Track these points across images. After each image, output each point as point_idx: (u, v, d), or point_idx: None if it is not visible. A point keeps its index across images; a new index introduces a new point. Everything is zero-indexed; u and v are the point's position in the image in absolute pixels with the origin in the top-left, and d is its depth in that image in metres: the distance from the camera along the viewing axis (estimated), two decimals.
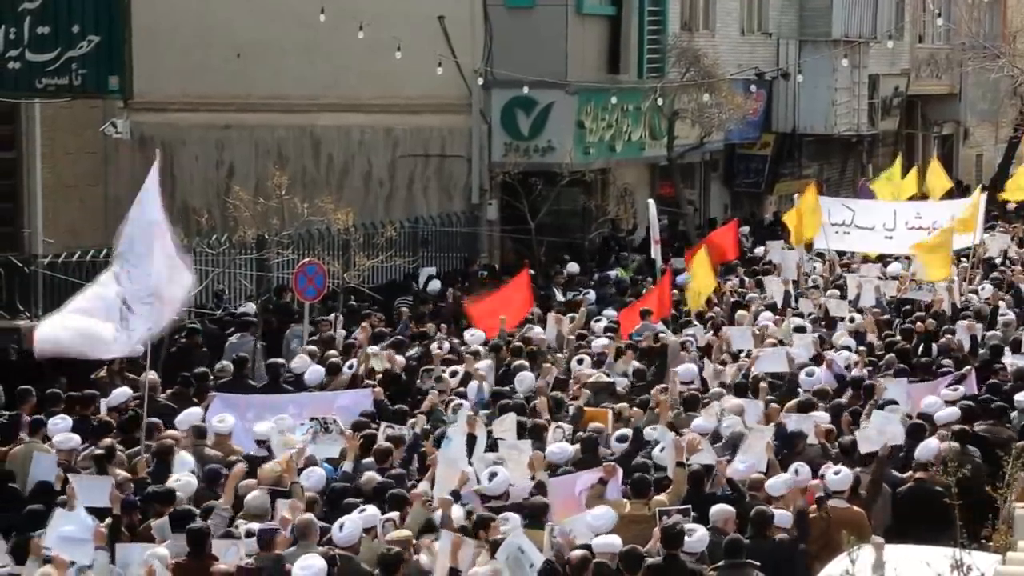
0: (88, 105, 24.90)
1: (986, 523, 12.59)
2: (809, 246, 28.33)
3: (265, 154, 30.57)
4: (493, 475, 13.62)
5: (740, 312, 22.97)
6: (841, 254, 28.44)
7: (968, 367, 18.82)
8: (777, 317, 22.47)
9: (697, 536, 12.50)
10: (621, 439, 15.52)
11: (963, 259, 26.69)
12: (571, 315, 22.70)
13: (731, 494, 13.87)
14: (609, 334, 21.06)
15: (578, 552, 12.06)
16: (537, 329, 21.33)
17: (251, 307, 22.60)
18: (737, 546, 12.49)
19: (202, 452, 15.14)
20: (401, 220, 28.56)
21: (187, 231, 26.03)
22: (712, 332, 21.55)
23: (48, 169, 23.70)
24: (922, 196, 32.88)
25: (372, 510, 12.86)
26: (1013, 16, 46.71)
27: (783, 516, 13.30)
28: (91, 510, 12.76)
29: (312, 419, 15.52)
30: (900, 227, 26.83)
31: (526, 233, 29.16)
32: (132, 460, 14.73)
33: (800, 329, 21.33)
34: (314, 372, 18.34)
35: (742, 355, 19.92)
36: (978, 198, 27.00)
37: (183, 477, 13.87)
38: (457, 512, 13.00)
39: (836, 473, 14.07)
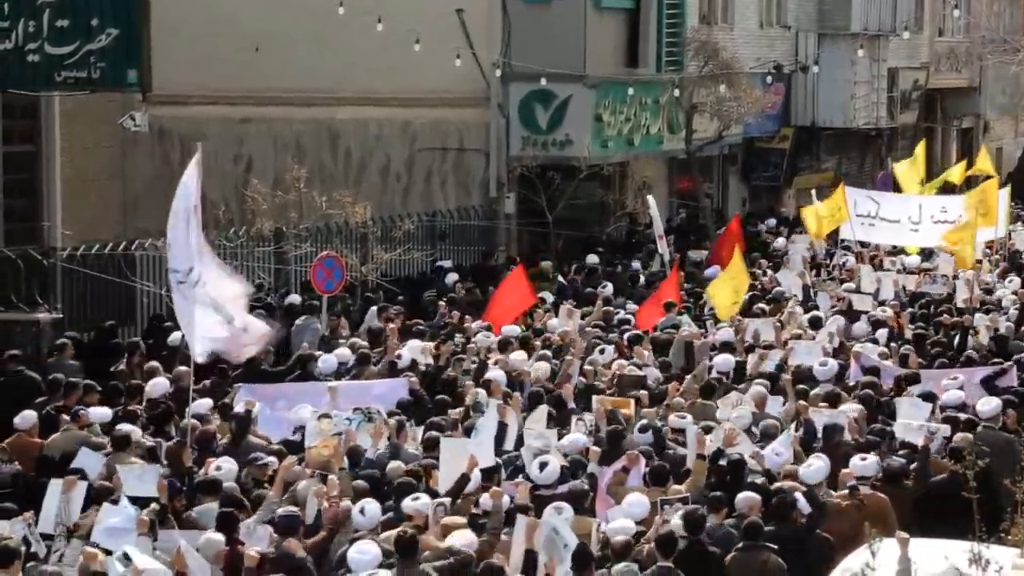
0: (107, 99, 24.90)
1: (1005, 516, 12.56)
2: (832, 237, 28.50)
3: (283, 148, 30.59)
4: (544, 464, 13.69)
5: (760, 305, 22.98)
6: (865, 246, 28.62)
7: (1010, 362, 18.77)
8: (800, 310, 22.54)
9: None
10: (643, 430, 15.56)
11: (988, 251, 26.79)
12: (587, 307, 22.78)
13: (768, 485, 13.93)
14: (625, 327, 21.12)
15: (621, 538, 12.25)
16: (553, 321, 21.38)
17: (296, 298, 22.66)
18: (756, 528, 12.67)
19: (248, 439, 15.29)
20: (419, 213, 28.58)
21: (205, 224, 26.01)
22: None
23: (67, 162, 23.73)
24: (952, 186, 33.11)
25: (426, 499, 12.97)
26: None
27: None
28: (137, 498, 12.94)
29: (356, 409, 15.56)
30: (925, 220, 27.07)
31: (543, 227, 29.15)
32: (173, 450, 14.86)
33: (816, 322, 21.35)
34: (327, 361, 18.42)
35: (769, 348, 19.89)
36: (993, 188, 27.02)
37: (224, 465, 13.97)
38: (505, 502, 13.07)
39: (863, 459, 14.14)
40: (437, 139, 30.62)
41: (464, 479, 13.48)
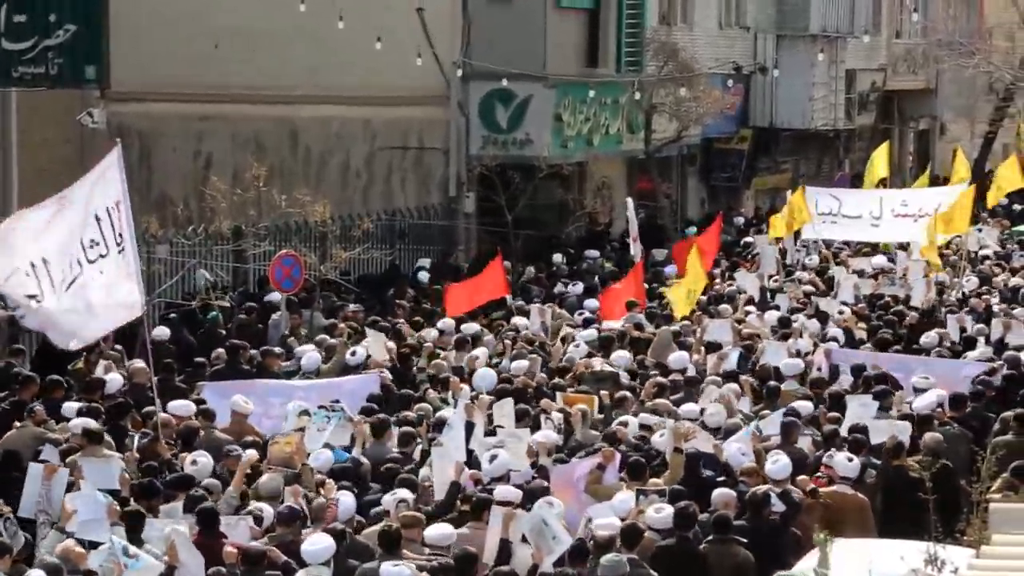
0: (65, 95, 24.79)
1: (961, 516, 12.68)
2: (797, 236, 28.71)
3: (243, 145, 30.45)
4: (493, 457, 13.89)
5: (724, 306, 23.11)
6: (829, 245, 28.81)
7: (1000, 361, 18.97)
8: (758, 312, 22.64)
9: (664, 513, 12.95)
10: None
11: (946, 251, 27.10)
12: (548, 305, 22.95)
13: (725, 479, 14.16)
14: (594, 326, 21.25)
15: (605, 532, 12.44)
16: (523, 320, 21.50)
17: (276, 295, 22.70)
18: (725, 522, 12.91)
19: (210, 435, 15.36)
20: (378, 212, 28.54)
21: (163, 222, 25.96)
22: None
23: (25, 158, 23.60)
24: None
25: (404, 493, 13.17)
26: (989, 12, 46.88)
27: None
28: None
29: (320, 407, 15.72)
30: (886, 214, 27.29)
31: (503, 226, 29.18)
32: (146, 443, 14.96)
33: (785, 322, 21.49)
34: (311, 359, 18.49)
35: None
36: (969, 196, 27.23)
37: (200, 459, 14.09)
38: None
39: (849, 460, 14.29)
40: (397, 138, 30.58)
41: (455, 487, 13.64)
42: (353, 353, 18.62)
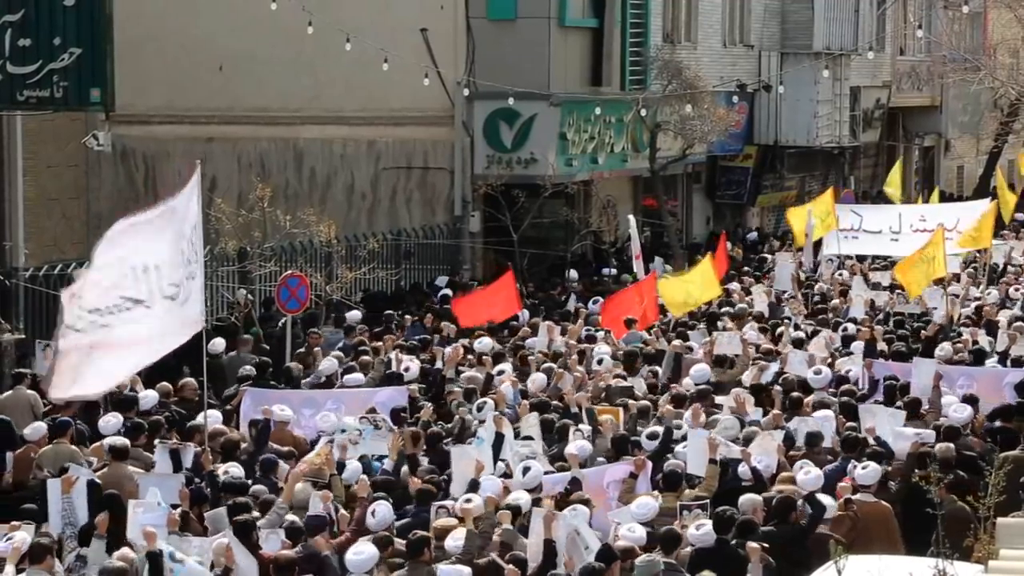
0: (70, 118, 24.85)
1: (969, 532, 12.64)
2: (816, 249, 28.78)
3: (247, 167, 30.52)
4: (527, 469, 13.99)
5: (730, 323, 23.14)
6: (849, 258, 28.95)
7: None
8: (761, 326, 22.65)
9: (705, 531, 12.89)
10: (652, 436, 15.76)
11: (972, 267, 27.14)
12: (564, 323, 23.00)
13: (754, 484, 14.25)
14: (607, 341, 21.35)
15: (623, 543, 12.53)
16: (531, 339, 21.53)
17: (357, 315, 22.74)
18: (750, 526, 12.96)
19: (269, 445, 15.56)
20: (384, 232, 28.56)
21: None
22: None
23: (30, 182, 23.64)
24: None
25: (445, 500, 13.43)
26: (993, 29, 46.91)
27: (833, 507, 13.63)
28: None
29: (362, 418, 15.88)
30: (905, 229, 27.54)
31: (509, 245, 29.18)
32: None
33: (798, 341, 21.52)
34: (354, 376, 18.65)
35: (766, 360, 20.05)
36: (992, 210, 27.30)
37: (232, 469, 14.23)
38: (477, 501, 13.21)
39: (864, 468, 14.30)
40: (402, 158, 30.61)
41: (474, 484, 13.78)
42: (406, 369, 18.83)
